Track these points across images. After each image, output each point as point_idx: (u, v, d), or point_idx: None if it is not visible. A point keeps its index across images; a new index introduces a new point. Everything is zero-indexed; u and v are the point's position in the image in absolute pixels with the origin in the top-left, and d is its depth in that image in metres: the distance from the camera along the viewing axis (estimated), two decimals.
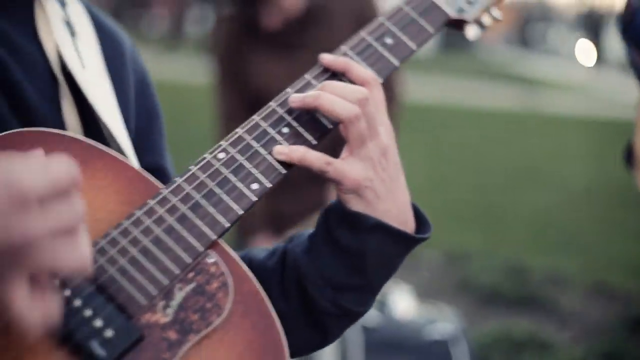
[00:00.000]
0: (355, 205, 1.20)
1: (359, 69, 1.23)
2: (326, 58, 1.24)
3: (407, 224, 1.23)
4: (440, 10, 1.34)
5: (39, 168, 0.87)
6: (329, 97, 1.17)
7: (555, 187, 9.16)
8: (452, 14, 1.35)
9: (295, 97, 1.20)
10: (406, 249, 1.23)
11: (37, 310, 0.88)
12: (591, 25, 31.25)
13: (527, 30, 34.49)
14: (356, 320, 1.29)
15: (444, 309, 4.08)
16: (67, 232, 0.88)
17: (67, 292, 1.03)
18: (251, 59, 3.48)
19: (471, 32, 1.36)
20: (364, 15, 3.51)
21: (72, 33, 1.29)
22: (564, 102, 17.02)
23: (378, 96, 1.21)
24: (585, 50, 28.84)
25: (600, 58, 27.69)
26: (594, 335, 5.06)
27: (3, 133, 1.10)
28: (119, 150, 1.24)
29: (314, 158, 1.18)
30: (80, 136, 1.16)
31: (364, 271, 1.22)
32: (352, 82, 1.22)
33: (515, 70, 23.42)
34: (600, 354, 4.68)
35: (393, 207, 1.21)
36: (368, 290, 1.25)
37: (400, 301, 3.92)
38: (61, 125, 1.22)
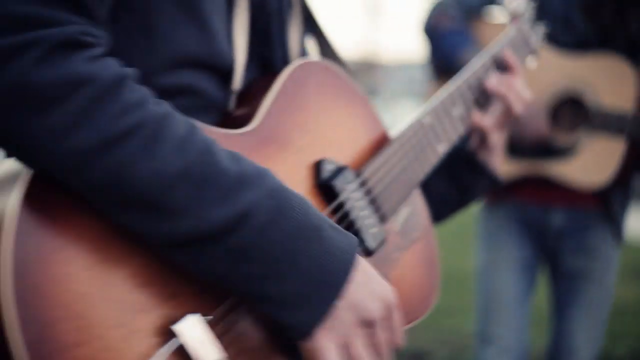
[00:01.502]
0: (482, 155, 1.71)
1: (521, 72, 1.72)
2: (508, 53, 1.72)
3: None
4: (534, 37, 1.90)
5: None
6: (513, 96, 1.67)
7: None
8: (536, 44, 1.91)
9: (491, 83, 1.67)
10: (491, 191, 1.75)
11: None
12: None
13: None
14: None
15: None
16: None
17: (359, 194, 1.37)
18: None
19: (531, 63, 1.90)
20: None
21: None
22: None
23: None
24: None
25: None
26: None
27: (307, 59, 1.35)
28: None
29: (488, 123, 1.67)
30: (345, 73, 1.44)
31: (463, 200, 1.75)
32: (507, 71, 1.71)
33: None
34: None
35: (498, 161, 1.74)
36: (458, 210, 1.77)
37: None
38: (230, 41, 1.33)
